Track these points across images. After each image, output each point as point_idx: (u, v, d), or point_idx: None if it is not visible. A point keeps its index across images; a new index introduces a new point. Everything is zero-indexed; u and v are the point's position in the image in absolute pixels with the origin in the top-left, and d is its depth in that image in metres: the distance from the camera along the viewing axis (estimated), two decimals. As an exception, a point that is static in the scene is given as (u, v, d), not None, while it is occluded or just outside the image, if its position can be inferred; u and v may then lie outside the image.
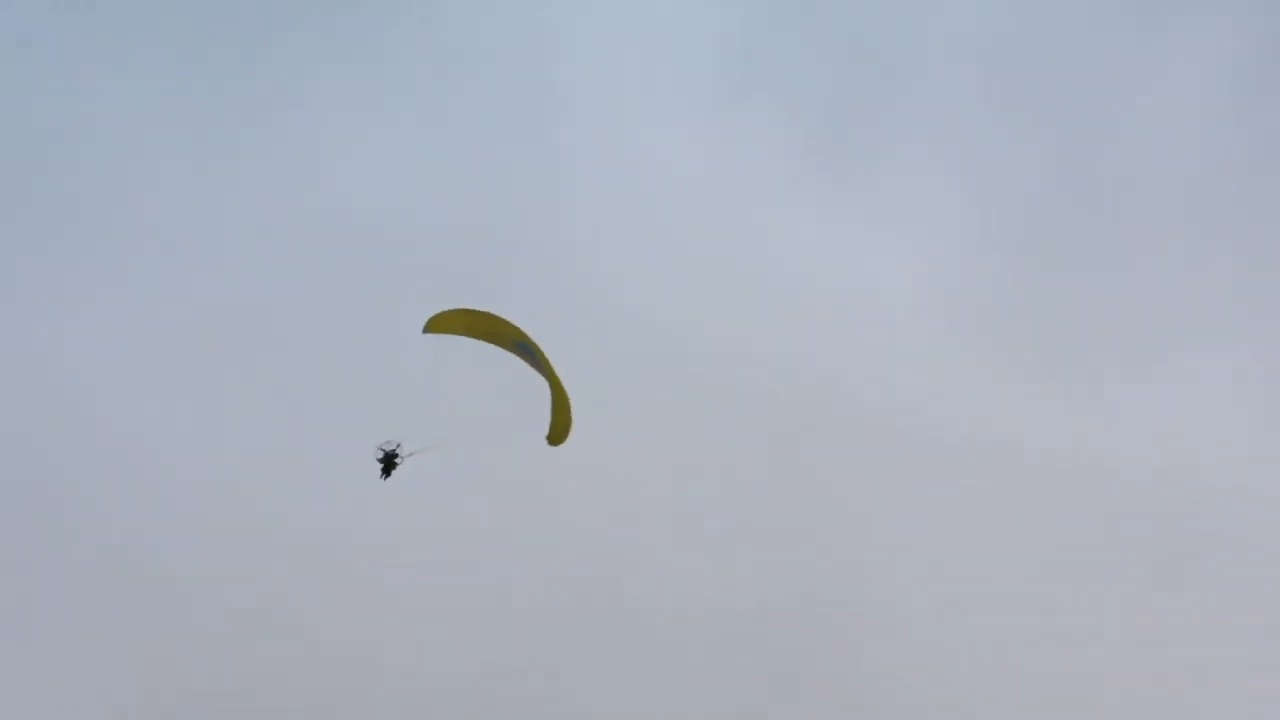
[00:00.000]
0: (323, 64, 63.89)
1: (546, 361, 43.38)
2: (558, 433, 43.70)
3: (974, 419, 58.72)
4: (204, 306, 60.12)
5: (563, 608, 55.23)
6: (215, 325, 59.75)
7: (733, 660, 54.67)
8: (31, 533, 55.18)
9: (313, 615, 54.40)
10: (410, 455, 43.72)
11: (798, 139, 65.29)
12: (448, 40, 65.29)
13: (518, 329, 43.69)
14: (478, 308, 43.70)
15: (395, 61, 64.60)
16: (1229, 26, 65.82)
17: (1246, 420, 59.91)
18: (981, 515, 57.38)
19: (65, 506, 55.70)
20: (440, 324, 43.85)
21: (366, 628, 53.92)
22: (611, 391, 56.85)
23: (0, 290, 59.03)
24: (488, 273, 59.86)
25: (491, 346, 43.86)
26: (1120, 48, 65.63)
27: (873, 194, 64.75)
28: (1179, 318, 61.91)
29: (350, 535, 54.45)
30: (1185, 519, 57.19)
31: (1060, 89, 65.77)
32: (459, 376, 42.88)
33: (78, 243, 60.95)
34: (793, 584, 55.92)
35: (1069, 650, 55.13)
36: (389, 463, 43.95)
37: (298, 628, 54.14)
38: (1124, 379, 60.66)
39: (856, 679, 54.24)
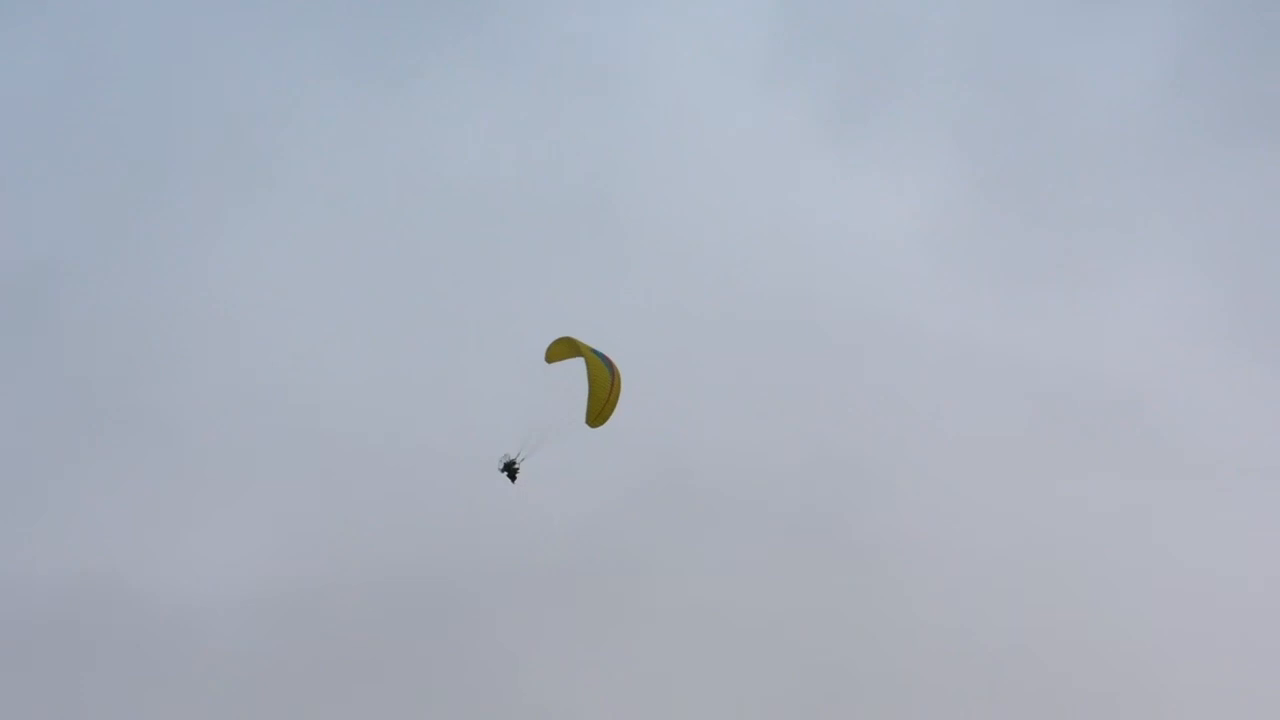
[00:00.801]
0: (444, 50, 70.77)
1: (590, 355, 45.51)
2: (592, 417, 45.71)
3: (957, 324, 65.27)
4: (339, 248, 67.11)
5: (636, 476, 61.57)
6: (345, 264, 66.65)
7: (770, 511, 61.22)
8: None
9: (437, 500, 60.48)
10: (523, 460, 46.94)
11: (820, 108, 71.36)
12: (541, 29, 72.22)
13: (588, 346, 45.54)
14: (569, 334, 46.12)
15: (500, 46, 71.35)
16: (1174, 8, 72.51)
17: (1190, 331, 65.93)
18: (963, 405, 63.90)
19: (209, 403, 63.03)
20: (555, 353, 46.12)
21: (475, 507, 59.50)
22: (675, 305, 64.80)
23: (186, 232, 66.51)
24: (572, 222, 67.64)
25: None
26: (1076, 19, 72.37)
27: (879, 150, 71.19)
28: (1127, 247, 68.18)
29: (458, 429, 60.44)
30: (1131, 409, 63.71)
31: (1030, 65, 72.12)
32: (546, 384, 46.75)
33: (246, 186, 68.17)
34: (815, 449, 62.45)
35: (1020, 507, 61.68)
36: (510, 470, 47.18)
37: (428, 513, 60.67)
38: (1081, 295, 67.12)
39: (868, 524, 60.93)
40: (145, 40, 70.37)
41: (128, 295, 65.05)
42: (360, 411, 62.47)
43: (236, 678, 56.96)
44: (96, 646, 57.19)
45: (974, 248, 68.50)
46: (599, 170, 68.86)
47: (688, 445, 62.51)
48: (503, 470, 46.73)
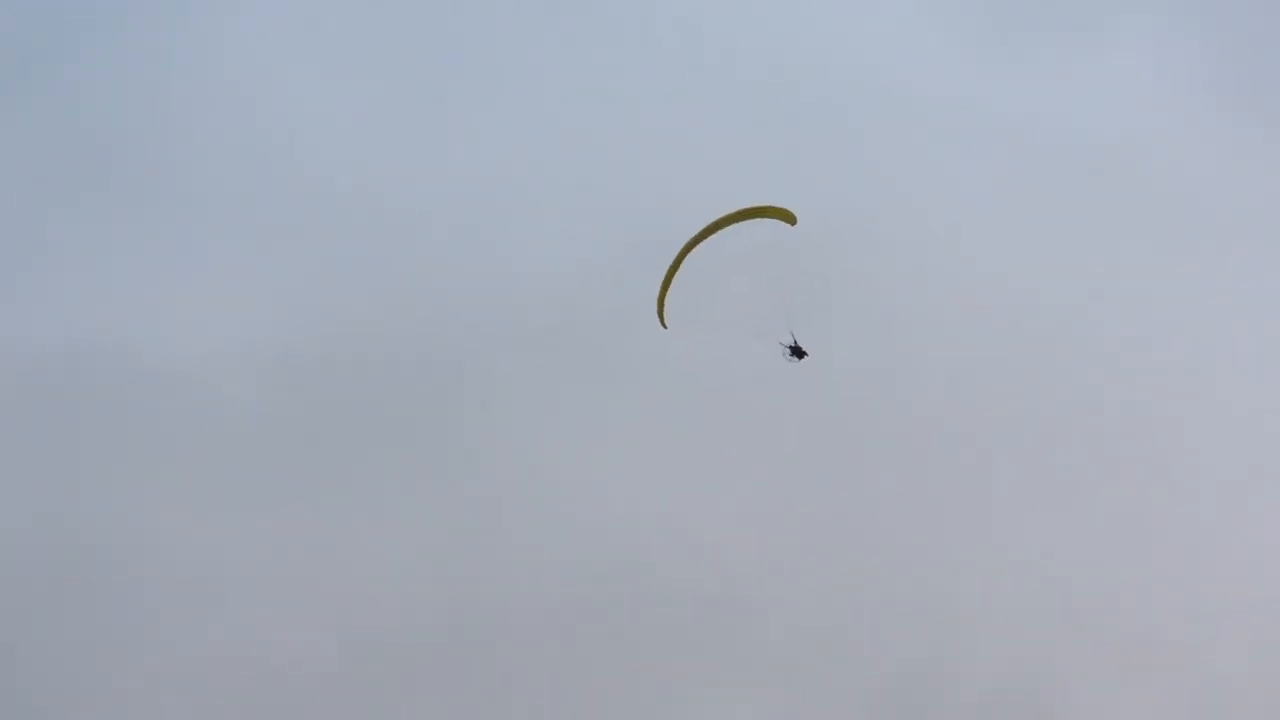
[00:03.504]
0: None
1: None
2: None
3: (946, 82, 64.01)
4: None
5: (624, 233, 60.70)
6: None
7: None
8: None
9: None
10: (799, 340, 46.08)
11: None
12: None
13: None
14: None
15: None
16: None
17: (1179, 87, 64.60)
18: (954, 165, 62.83)
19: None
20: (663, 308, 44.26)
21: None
22: (657, 75, 63.88)
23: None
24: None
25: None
26: None
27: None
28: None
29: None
30: (1123, 169, 62.98)
31: None
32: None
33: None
34: (805, 214, 61.94)
35: (1021, 261, 60.97)
36: (796, 351, 46.58)
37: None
38: (1072, 50, 65.52)
39: (861, 286, 59.67)
40: None
41: (121, 49, 64.78)
42: (358, 170, 62.46)
43: (233, 436, 57.57)
44: (97, 408, 57.65)
45: (961, 3, 67.07)
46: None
47: (671, 205, 61.00)
48: (793, 357, 46.53)
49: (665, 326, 44.92)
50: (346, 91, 64.16)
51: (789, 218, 43.89)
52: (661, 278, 44.29)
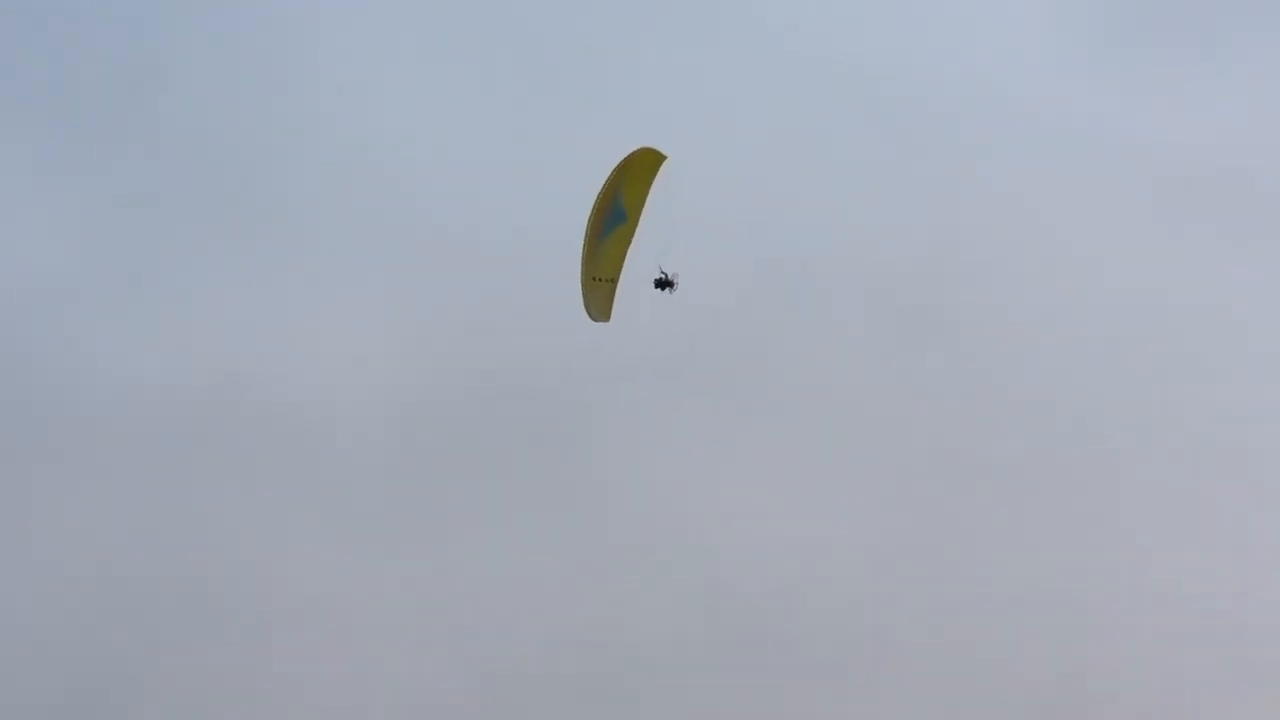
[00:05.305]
0: None
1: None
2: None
3: (1073, 103, 63.01)
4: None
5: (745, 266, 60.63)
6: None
7: (887, 301, 60.44)
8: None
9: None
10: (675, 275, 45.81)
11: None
12: None
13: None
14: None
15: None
16: None
17: None
18: (1082, 188, 61.81)
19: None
20: (599, 307, 44.63)
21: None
22: (773, 87, 62.94)
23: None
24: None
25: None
26: None
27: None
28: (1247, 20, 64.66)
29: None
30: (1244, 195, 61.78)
31: None
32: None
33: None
34: (929, 237, 61.29)
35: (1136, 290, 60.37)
36: (662, 284, 45.72)
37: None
38: (1194, 73, 64.17)
39: (987, 311, 59.73)
40: None
41: (254, 85, 64.62)
42: (489, 208, 62.52)
43: (365, 477, 57.95)
44: (226, 448, 58.10)
45: (1092, 27, 65.82)
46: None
47: (795, 233, 61.66)
48: (661, 289, 46.17)
49: (604, 319, 44.87)
50: (480, 139, 63.91)
51: (660, 157, 42.72)
52: (589, 270, 44.16)
